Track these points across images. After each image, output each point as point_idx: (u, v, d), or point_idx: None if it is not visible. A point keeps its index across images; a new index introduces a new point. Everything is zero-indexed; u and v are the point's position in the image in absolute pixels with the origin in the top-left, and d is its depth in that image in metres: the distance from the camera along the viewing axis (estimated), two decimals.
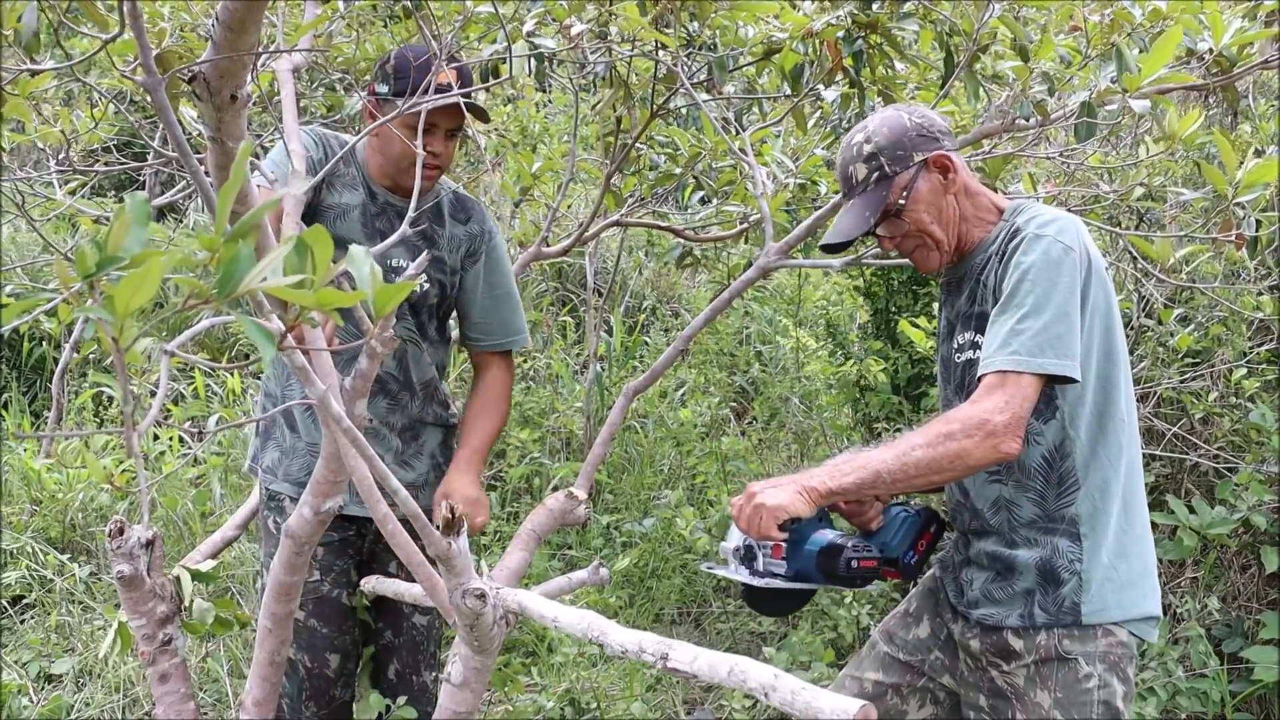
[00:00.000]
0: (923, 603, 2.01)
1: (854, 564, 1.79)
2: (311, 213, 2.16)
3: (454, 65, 2.10)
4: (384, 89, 2.13)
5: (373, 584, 2.13)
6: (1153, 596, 1.80)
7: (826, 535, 1.83)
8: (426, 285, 2.28)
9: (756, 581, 1.81)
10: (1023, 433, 1.65)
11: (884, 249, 1.88)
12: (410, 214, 1.62)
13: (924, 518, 1.92)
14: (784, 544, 1.79)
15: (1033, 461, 1.76)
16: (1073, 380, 1.67)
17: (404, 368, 2.28)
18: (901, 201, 1.78)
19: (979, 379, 1.70)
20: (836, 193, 2.15)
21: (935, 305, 2.06)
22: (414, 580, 1.70)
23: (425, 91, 1.66)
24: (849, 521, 1.95)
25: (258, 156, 2.07)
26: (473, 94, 2.12)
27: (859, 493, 1.73)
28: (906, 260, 1.93)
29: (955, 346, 1.88)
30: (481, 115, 2.20)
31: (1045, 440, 1.76)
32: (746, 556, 1.83)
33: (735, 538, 1.84)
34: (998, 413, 1.63)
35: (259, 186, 1.86)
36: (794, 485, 1.68)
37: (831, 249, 1.89)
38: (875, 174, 1.79)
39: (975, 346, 1.82)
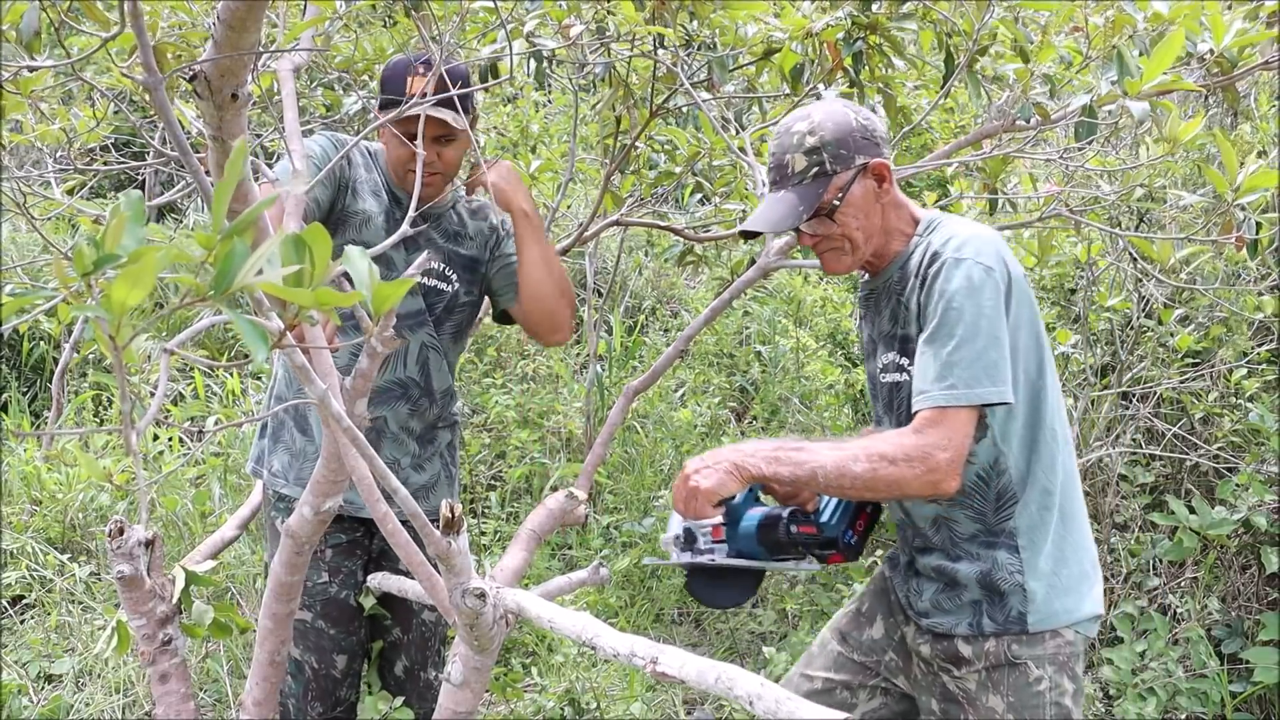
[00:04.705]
0: (875, 603, 2.02)
1: (793, 529, 1.80)
2: (336, 219, 2.17)
3: (433, 71, 2.08)
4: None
5: (378, 580, 2.14)
6: (1093, 596, 1.81)
7: (762, 510, 1.84)
8: (457, 285, 2.29)
9: (700, 559, 1.82)
10: (962, 469, 1.66)
11: (801, 244, 1.86)
12: (410, 215, 1.62)
13: None
14: (723, 526, 1.81)
15: (968, 481, 1.75)
16: (1008, 403, 1.67)
17: (426, 374, 2.29)
18: (836, 202, 1.75)
19: (915, 413, 1.68)
20: None
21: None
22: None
23: (406, 107, 1.66)
24: (782, 503, 1.94)
25: (257, 156, 2.06)
26: (454, 96, 2.08)
27: (790, 485, 1.74)
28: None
29: (880, 366, 1.88)
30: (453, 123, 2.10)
31: (978, 459, 1.75)
32: (687, 541, 1.83)
33: (675, 526, 1.85)
34: (940, 449, 1.63)
35: (262, 182, 1.86)
36: (727, 464, 1.68)
37: (752, 235, 1.88)
38: (815, 169, 1.75)
39: (899, 369, 1.82)
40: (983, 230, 1.75)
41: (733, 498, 1.73)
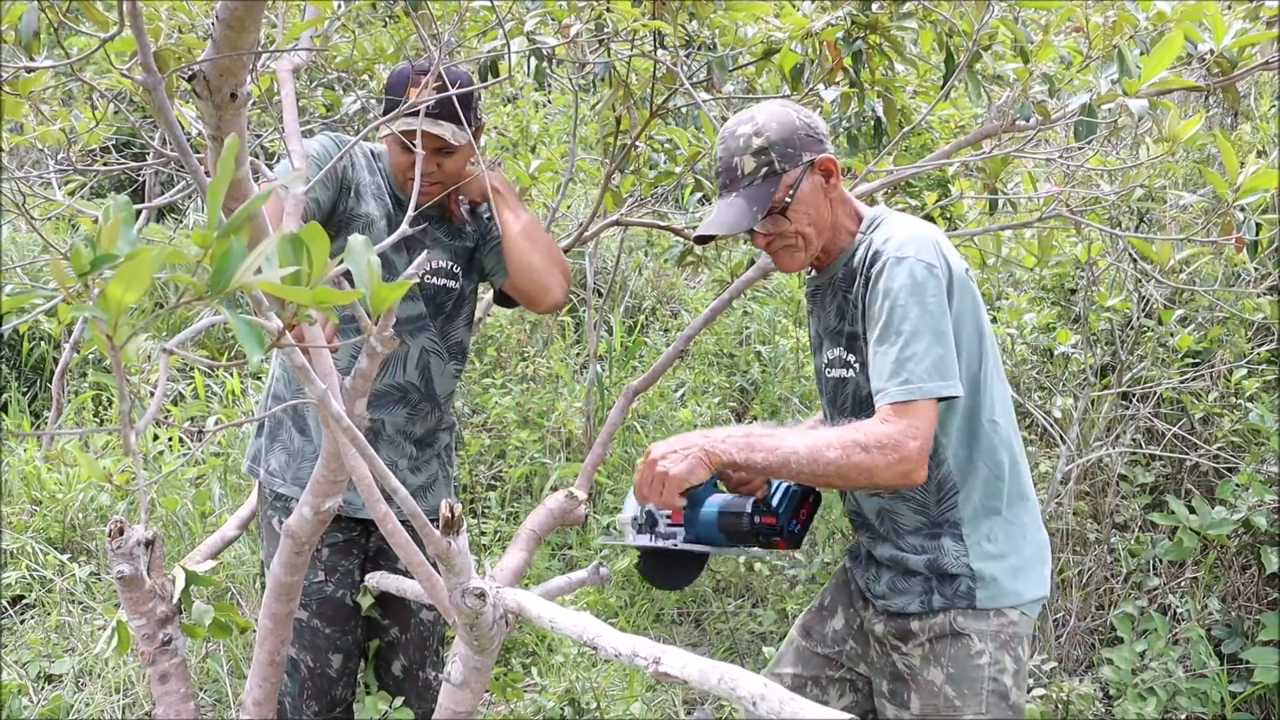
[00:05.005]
0: (836, 595, 2.06)
1: (757, 520, 1.82)
2: (339, 221, 2.17)
3: (429, 77, 2.07)
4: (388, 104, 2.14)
5: (376, 579, 2.14)
6: (1039, 580, 1.85)
7: (722, 497, 1.86)
8: (463, 280, 2.31)
9: (665, 544, 1.82)
10: (927, 460, 1.68)
11: (755, 245, 1.88)
12: (408, 218, 1.62)
13: (804, 488, 1.94)
14: (682, 510, 1.81)
15: None
16: (957, 396, 1.70)
17: (427, 379, 2.28)
18: (788, 200, 1.78)
19: (877, 409, 1.71)
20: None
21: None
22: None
23: (402, 110, 1.68)
24: (733, 490, 1.96)
25: (257, 156, 2.06)
26: (458, 109, 2.07)
27: (761, 473, 1.75)
28: None
29: (826, 361, 1.91)
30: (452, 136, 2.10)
31: None
32: (647, 523, 1.83)
33: (632, 508, 1.84)
34: (910, 438, 1.65)
35: (263, 183, 1.86)
36: (697, 450, 1.68)
37: (708, 240, 1.89)
38: (764, 169, 1.78)
39: (845, 365, 1.85)
40: (923, 227, 1.78)
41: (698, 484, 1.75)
